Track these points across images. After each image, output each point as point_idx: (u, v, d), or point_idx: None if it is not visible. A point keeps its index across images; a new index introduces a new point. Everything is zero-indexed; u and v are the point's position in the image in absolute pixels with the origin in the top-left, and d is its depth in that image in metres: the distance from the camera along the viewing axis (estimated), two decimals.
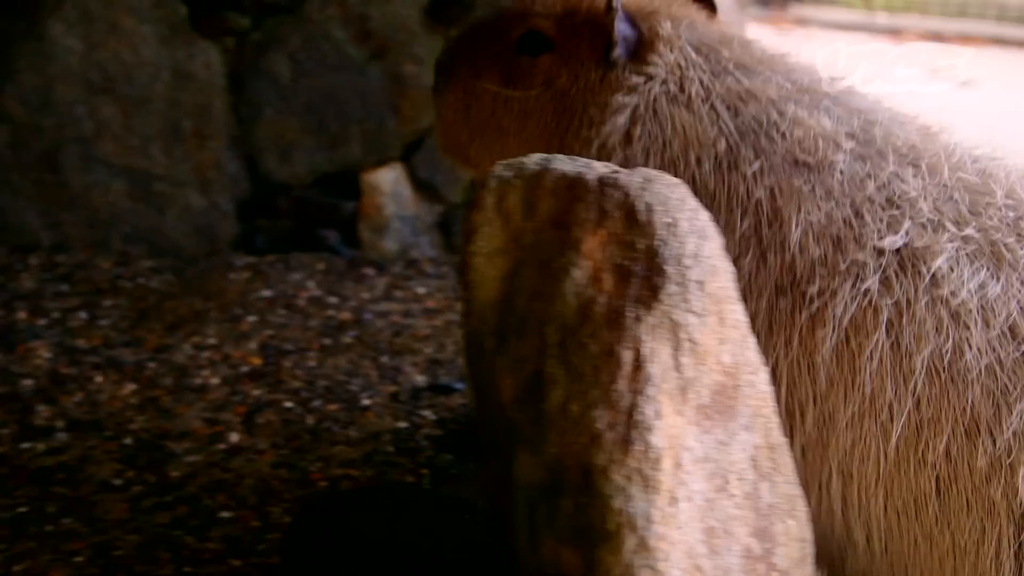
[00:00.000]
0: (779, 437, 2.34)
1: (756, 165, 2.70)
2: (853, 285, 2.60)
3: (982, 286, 2.57)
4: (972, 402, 2.48)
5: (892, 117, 2.81)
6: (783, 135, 2.72)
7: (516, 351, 2.23)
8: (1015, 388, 2.50)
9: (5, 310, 4.52)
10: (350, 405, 3.82)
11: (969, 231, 2.60)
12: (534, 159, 2.29)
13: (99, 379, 4.01)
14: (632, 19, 2.84)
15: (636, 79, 2.81)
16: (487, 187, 2.28)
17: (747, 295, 2.59)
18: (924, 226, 2.61)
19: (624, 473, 2.11)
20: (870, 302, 2.58)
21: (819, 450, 2.58)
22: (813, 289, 2.61)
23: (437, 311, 4.58)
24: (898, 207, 2.64)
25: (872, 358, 2.53)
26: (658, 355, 2.15)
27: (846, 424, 2.55)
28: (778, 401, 2.51)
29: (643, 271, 2.17)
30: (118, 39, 4.96)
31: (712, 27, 2.91)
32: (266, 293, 4.68)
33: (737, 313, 2.27)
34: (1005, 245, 2.60)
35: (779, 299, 2.64)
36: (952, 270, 2.58)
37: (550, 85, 2.93)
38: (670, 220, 2.19)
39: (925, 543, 2.53)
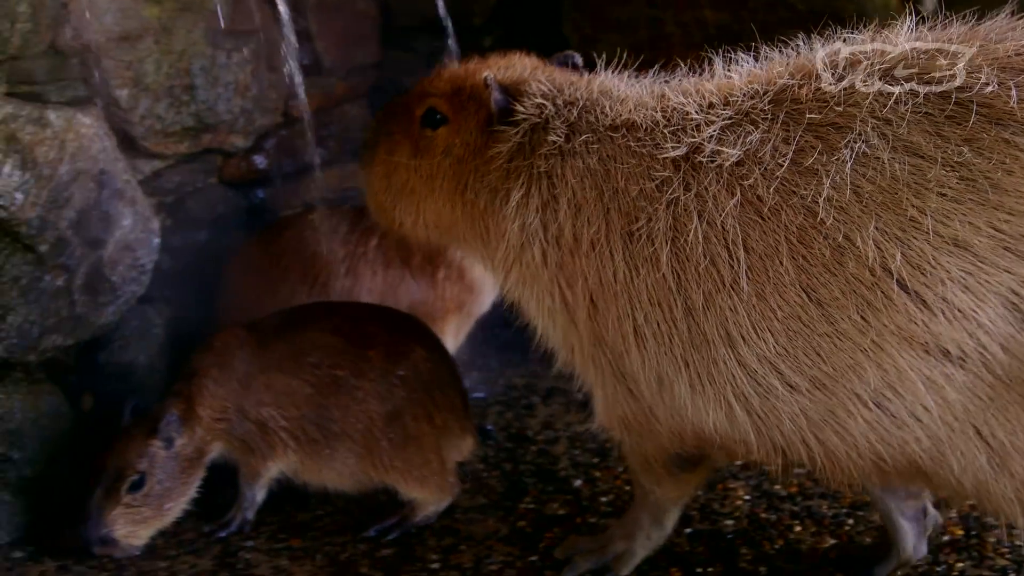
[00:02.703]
0: None
1: (585, 136, 3.40)
2: (668, 204, 3.21)
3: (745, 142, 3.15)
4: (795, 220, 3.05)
5: (675, 83, 3.47)
6: (606, 110, 3.43)
7: None
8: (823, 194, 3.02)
9: None
10: None
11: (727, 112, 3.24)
12: None
13: (798, 528, 4.14)
14: (505, 89, 3.53)
15: (509, 130, 3.51)
16: None
17: (613, 251, 3.30)
18: (695, 130, 3.25)
19: None
20: (682, 205, 3.19)
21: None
22: (641, 222, 3.25)
23: None
24: (680, 132, 3.27)
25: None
26: None
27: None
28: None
29: None
30: None
31: (567, 76, 3.63)
32: None
33: None
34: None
35: (629, 245, 3.27)
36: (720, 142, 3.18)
37: (448, 153, 3.63)
38: None
39: None
